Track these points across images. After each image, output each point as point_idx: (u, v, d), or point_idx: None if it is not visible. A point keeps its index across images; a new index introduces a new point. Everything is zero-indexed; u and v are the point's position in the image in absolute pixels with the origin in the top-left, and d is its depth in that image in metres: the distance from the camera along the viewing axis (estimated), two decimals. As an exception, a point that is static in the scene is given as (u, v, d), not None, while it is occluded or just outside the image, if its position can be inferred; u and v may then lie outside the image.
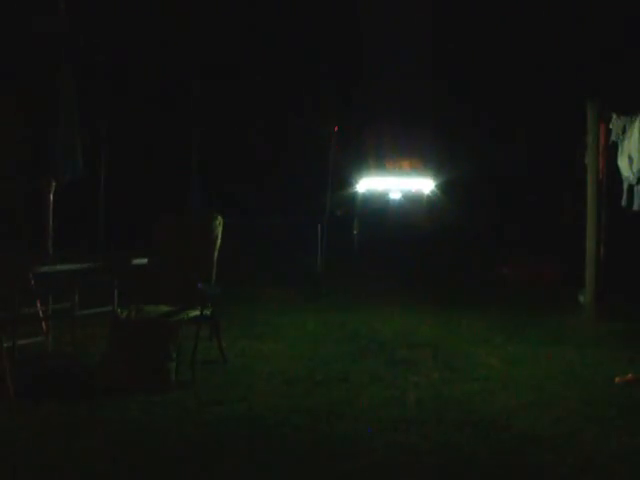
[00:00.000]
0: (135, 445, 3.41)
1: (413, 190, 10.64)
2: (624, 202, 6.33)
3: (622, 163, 6.23)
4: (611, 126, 6.34)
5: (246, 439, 3.50)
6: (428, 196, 10.56)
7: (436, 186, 10.19)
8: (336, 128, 9.04)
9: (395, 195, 11.62)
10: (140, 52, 10.98)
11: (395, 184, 10.72)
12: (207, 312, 4.84)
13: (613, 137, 6.30)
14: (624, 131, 6.13)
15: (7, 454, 3.27)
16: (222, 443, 3.45)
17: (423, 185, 10.26)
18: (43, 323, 5.06)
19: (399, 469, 3.17)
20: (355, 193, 10.32)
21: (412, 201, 11.31)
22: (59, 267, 4.79)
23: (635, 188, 6.19)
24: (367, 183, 10.17)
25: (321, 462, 3.23)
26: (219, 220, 5.14)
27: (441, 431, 3.63)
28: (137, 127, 11.22)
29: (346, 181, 10.29)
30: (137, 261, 5.19)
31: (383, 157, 11.90)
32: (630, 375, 4.53)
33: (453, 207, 10.80)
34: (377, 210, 11.68)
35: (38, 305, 5.04)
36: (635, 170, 6.08)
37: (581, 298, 6.98)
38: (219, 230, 5.12)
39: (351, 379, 4.60)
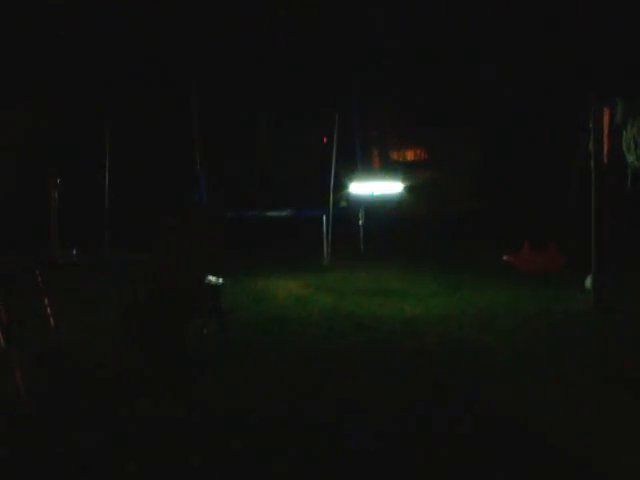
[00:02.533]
0: (143, 443, 3.37)
1: (389, 191, 11.61)
2: (629, 185, 6.31)
3: (627, 147, 6.19)
4: (615, 110, 6.30)
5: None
6: (398, 195, 11.78)
7: (404, 188, 11.47)
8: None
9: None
10: (141, 52, 10.99)
11: (376, 187, 11.53)
12: (214, 304, 4.87)
13: (618, 121, 6.26)
14: (628, 115, 6.09)
15: (20, 454, 3.23)
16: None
17: (396, 187, 11.60)
18: (51, 318, 5.07)
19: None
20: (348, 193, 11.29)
21: (387, 199, 12.12)
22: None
23: (641, 172, 6.17)
24: (356, 186, 11.26)
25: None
26: (217, 216, 5.19)
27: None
28: (139, 126, 11.25)
29: (342, 182, 10.98)
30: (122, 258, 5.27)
31: (388, 148, 12.18)
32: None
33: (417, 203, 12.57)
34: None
35: (46, 301, 5.04)
36: (640, 154, 6.06)
37: (587, 284, 6.96)
38: (218, 225, 5.17)
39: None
